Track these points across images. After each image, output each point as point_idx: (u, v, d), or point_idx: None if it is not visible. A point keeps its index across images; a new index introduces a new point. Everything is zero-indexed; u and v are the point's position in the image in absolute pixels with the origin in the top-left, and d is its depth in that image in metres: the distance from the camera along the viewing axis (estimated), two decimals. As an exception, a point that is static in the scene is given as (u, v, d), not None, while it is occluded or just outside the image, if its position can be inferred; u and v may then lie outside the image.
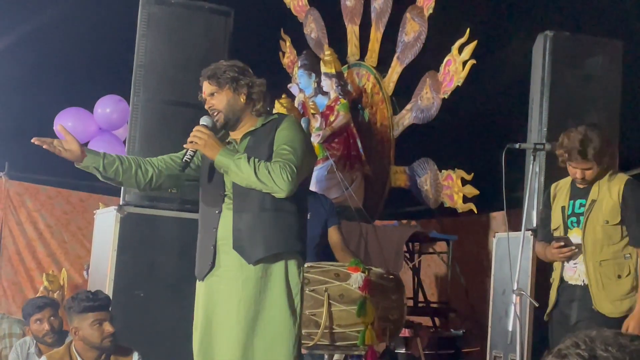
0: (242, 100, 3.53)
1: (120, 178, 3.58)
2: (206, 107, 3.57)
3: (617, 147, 5.14)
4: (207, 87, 3.56)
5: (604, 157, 4.10)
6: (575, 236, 4.20)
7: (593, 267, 4.12)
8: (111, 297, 4.85)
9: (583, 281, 4.18)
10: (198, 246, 3.61)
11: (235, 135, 3.60)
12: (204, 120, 3.52)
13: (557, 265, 4.31)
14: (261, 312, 3.40)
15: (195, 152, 3.49)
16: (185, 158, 3.50)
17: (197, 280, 3.60)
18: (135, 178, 3.59)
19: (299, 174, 3.40)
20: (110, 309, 4.22)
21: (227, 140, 3.58)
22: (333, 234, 4.93)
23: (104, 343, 4.20)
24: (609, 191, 4.14)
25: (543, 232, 4.42)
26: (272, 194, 3.39)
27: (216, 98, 3.53)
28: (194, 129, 3.46)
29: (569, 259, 4.21)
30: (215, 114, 3.53)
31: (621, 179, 4.17)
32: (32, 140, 3.44)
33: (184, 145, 3.48)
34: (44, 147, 3.44)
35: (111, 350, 4.21)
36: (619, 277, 4.11)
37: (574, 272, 4.21)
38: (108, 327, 4.17)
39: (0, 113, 8.89)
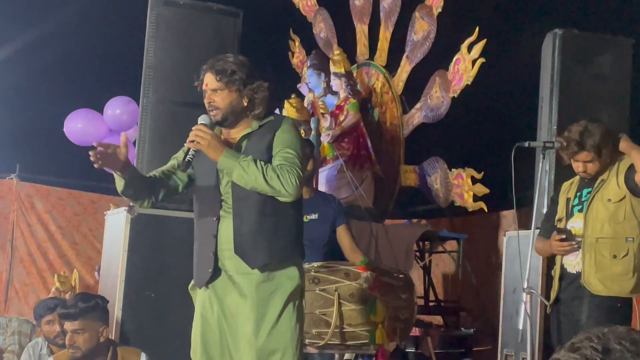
0: (244, 103, 3.40)
1: (135, 192, 3.44)
2: (205, 101, 3.42)
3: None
4: (211, 82, 3.39)
5: (603, 149, 4.11)
6: (577, 221, 4.20)
7: (589, 245, 4.11)
8: (122, 298, 4.88)
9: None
10: (196, 254, 3.52)
11: (232, 135, 3.48)
12: (202, 119, 3.39)
13: (558, 258, 4.30)
14: (265, 315, 3.33)
15: (196, 151, 3.35)
16: (187, 158, 3.36)
17: (198, 288, 3.51)
18: (146, 197, 3.49)
19: (303, 178, 3.38)
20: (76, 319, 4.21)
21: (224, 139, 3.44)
22: (342, 234, 4.91)
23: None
24: (617, 171, 4.15)
25: (545, 227, 4.39)
26: (278, 198, 3.30)
27: (219, 95, 3.38)
28: (193, 128, 3.33)
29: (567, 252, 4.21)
30: (212, 110, 3.40)
31: (629, 162, 4.17)
32: (94, 144, 3.25)
33: (185, 144, 3.37)
34: (108, 151, 3.24)
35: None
36: (615, 257, 4.08)
37: (576, 257, 4.18)
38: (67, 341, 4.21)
39: (10, 115, 8.91)
